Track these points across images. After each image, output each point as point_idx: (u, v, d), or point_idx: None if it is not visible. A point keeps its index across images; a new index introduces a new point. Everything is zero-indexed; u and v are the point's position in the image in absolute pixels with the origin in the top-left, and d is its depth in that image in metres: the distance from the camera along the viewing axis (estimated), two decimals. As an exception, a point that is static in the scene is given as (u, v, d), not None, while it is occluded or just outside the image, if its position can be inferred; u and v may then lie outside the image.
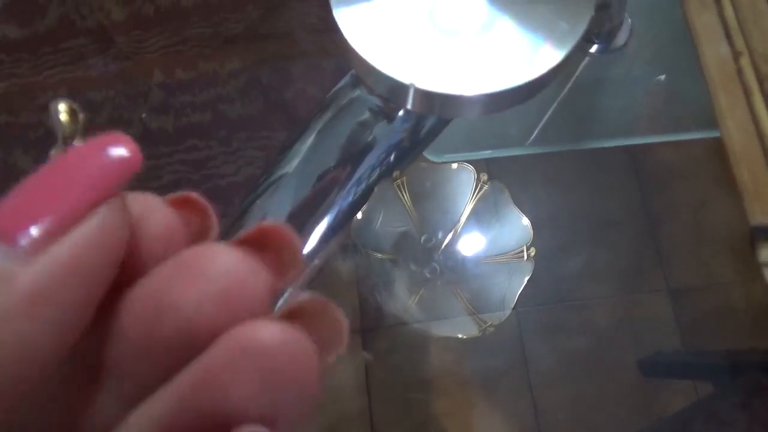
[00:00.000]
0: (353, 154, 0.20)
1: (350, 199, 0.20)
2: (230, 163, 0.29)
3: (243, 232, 0.10)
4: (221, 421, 0.09)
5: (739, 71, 0.20)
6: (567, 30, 0.18)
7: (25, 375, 0.08)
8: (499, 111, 0.18)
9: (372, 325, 0.36)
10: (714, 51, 0.20)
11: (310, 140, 0.20)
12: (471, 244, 0.30)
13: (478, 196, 0.30)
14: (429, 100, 0.17)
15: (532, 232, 0.30)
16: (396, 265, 0.31)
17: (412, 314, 0.30)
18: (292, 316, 0.10)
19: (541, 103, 0.24)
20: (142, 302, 0.09)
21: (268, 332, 0.09)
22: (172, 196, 0.11)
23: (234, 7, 0.28)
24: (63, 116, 0.11)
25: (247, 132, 0.30)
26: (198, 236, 0.11)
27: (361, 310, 0.32)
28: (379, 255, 0.31)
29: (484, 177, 0.31)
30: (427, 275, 0.31)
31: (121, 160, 0.09)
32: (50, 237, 0.08)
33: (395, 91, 0.18)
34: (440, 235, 0.31)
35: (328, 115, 0.20)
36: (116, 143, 0.09)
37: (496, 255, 0.29)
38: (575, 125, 0.24)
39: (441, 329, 0.30)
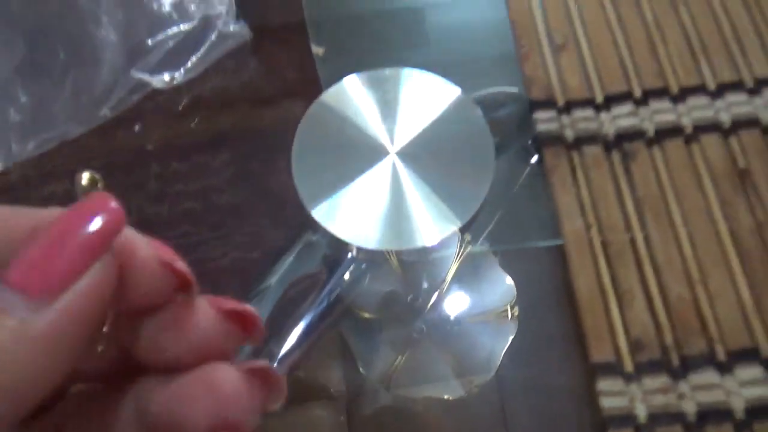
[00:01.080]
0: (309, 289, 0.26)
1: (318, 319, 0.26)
2: (219, 248, 0.31)
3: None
4: None
5: (590, 240, 0.23)
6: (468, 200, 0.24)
7: (34, 397, 0.11)
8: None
9: (357, 390, 0.36)
10: (571, 224, 0.24)
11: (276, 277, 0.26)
12: (456, 303, 0.31)
13: (462, 256, 0.32)
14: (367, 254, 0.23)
15: (515, 291, 0.31)
16: (382, 326, 0.32)
17: (398, 377, 0.31)
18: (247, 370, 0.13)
19: (490, 207, 0.27)
20: (163, 409, 0.12)
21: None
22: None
23: (225, 104, 0.32)
24: (85, 182, 0.13)
25: (235, 219, 0.32)
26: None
27: (345, 377, 0.33)
28: (366, 315, 0.32)
29: (468, 237, 0.33)
30: (414, 335, 0.32)
31: (106, 224, 0.11)
32: (57, 290, 0.11)
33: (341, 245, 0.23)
34: (426, 294, 0.33)
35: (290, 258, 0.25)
36: (100, 209, 0.11)
37: (481, 314, 0.31)
38: (517, 226, 0.27)
39: (427, 391, 0.31)
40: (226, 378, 0.12)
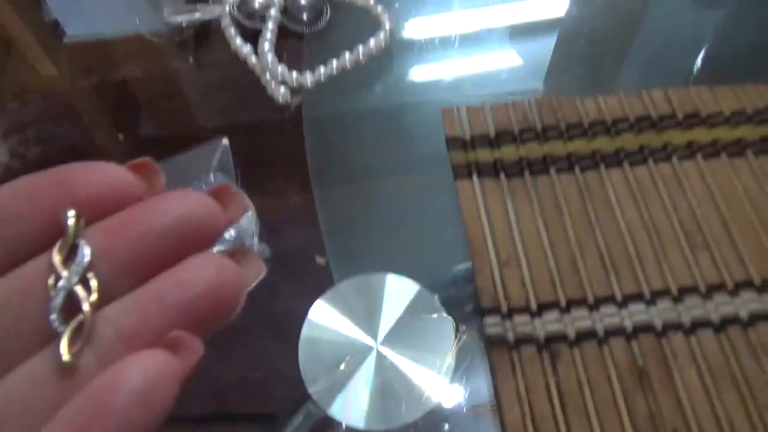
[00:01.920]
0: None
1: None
2: (224, 368, 0.38)
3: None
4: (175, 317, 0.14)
5: (525, 427, 0.31)
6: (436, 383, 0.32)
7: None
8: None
9: None
10: (510, 412, 0.32)
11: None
12: (433, 395, 0.34)
13: (457, 346, 0.36)
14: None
15: None
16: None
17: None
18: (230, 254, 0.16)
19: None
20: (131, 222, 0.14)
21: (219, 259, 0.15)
22: (131, 162, 0.16)
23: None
24: (71, 221, 0.14)
25: (240, 339, 0.37)
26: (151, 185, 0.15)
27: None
28: None
29: (463, 328, 0.36)
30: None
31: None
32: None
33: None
34: None
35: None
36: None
37: (476, 406, 0.34)
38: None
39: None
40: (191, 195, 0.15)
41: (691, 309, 0.36)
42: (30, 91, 0.49)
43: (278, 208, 0.42)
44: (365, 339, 0.36)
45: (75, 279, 0.14)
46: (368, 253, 0.40)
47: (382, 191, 0.43)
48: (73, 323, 0.13)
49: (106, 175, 0.15)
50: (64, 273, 0.13)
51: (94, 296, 0.14)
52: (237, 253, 0.16)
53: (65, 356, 0.13)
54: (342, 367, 0.34)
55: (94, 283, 0.14)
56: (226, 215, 0.16)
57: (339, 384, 0.34)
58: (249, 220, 0.37)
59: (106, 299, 0.14)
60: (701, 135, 0.43)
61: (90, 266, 0.14)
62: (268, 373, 0.36)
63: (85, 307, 0.13)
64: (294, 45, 0.49)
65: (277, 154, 0.45)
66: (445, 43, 0.50)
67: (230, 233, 0.37)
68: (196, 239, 0.15)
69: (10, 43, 0.53)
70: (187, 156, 0.41)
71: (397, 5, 0.53)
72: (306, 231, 0.41)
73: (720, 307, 0.36)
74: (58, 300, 0.13)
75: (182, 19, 0.50)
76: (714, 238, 0.38)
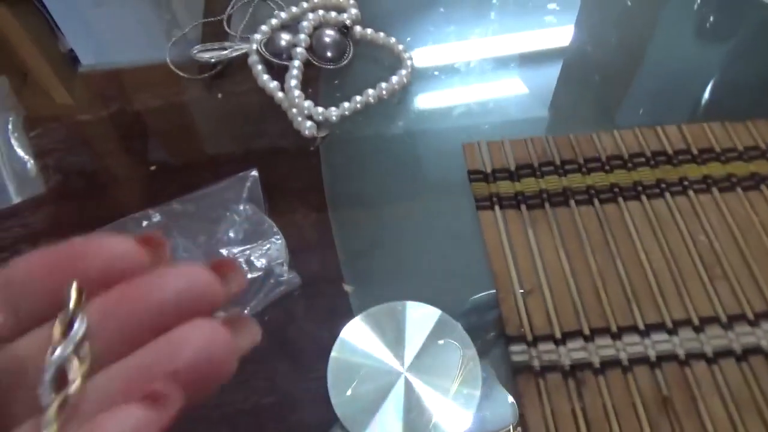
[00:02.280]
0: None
1: None
2: (239, 393, 0.38)
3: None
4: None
5: None
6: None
7: None
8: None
9: None
10: None
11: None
12: (458, 421, 0.34)
13: (463, 373, 0.36)
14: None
15: (517, 410, 0.34)
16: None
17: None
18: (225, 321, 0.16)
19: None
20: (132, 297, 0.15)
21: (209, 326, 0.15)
22: (140, 234, 0.16)
23: (276, 329, 0.41)
24: (72, 295, 0.15)
25: (255, 365, 0.37)
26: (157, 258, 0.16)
27: None
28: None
29: (470, 353, 0.36)
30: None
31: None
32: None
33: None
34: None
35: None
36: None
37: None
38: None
39: None
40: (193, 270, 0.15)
41: (713, 339, 0.36)
42: (45, 120, 0.50)
43: (302, 237, 0.43)
44: (394, 364, 0.36)
45: (68, 351, 0.14)
46: (385, 281, 0.41)
47: (399, 219, 0.44)
48: (60, 396, 0.14)
49: (114, 248, 0.16)
50: (60, 346, 0.14)
51: (84, 368, 0.14)
52: (233, 319, 0.17)
53: (48, 428, 0.14)
54: (371, 390, 0.35)
55: (86, 355, 0.14)
56: (225, 290, 0.16)
57: (368, 408, 0.35)
58: (278, 249, 0.38)
59: (98, 368, 0.15)
60: (716, 169, 0.44)
61: (84, 339, 0.14)
62: (281, 399, 0.36)
63: (73, 377, 0.14)
64: (318, 81, 0.51)
65: (301, 184, 0.46)
66: (464, 74, 0.52)
67: (261, 262, 0.38)
68: (193, 313, 0.15)
69: (27, 73, 0.55)
70: (219, 187, 0.42)
71: (408, 39, 0.55)
72: (326, 259, 0.42)
73: (741, 337, 0.36)
74: (50, 373, 0.14)
75: (211, 55, 0.52)
76: (733, 269, 0.39)
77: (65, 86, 0.55)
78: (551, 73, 0.53)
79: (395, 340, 0.37)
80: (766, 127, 0.46)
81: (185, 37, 0.55)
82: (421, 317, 0.38)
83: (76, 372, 0.14)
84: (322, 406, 0.35)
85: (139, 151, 0.49)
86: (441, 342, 0.37)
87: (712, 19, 0.58)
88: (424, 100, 0.51)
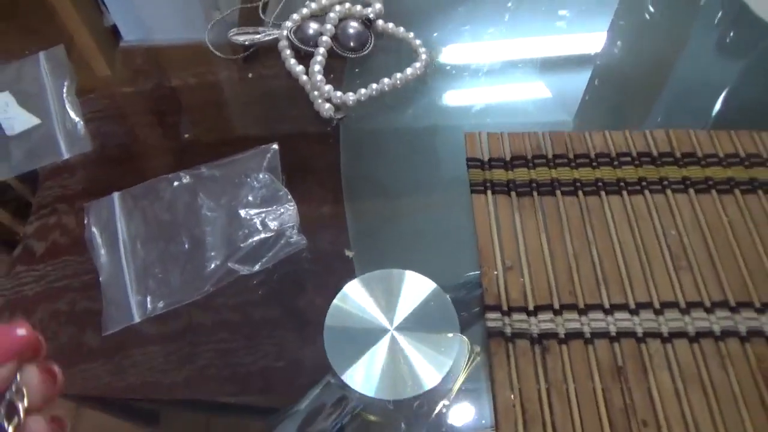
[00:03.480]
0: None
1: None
2: (250, 355, 0.42)
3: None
4: None
5: (513, 406, 0.37)
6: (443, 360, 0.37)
7: None
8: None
9: None
10: (502, 394, 0.37)
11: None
12: (463, 414, 0.37)
13: (470, 367, 0.39)
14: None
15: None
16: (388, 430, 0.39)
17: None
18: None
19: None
20: None
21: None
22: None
23: (282, 283, 0.46)
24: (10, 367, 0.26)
25: (266, 330, 0.41)
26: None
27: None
28: (372, 417, 0.39)
29: (477, 349, 0.40)
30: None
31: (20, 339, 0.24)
32: None
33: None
34: (432, 402, 0.39)
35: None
36: (18, 327, 0.24)
37: (488, 428, 0.37)
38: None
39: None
40: None
41: (670, 321, 0.40)
42: (86, 90, 0.56)
43: (314, 208, 0.48)
44: (383, 322, 0.41)
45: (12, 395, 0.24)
46: (389, 254, 0.46)
47: (406, 200, 0.48)
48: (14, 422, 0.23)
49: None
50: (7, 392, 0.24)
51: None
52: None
53: None
54: (360, 343, 0.40)
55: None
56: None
57: (356, 357, 0.40)
58: (290, 214, 0.44)
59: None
60: (695, 172, 0.48)
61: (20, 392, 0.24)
62: (289, 362, 0.41)
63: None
64: (341, 68, 0.56)
65: (317, 162, 0.51)
66: (475, 71, 0.57)
67: (274, 224, 0.43)
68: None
69: (71, 42, 0.60)
70: (243, 156, 0.47)
71: (435, 34, 0.59)
72: (335, 232, 0.47)
73: (696, 321, 0.40)
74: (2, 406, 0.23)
75: (246, 39, 0.57)
76: (697, 262, 0.43)
77: (106, 59, 0.60)
78: (562, 77, 0.57)
79: (388, 302, 0.42)
80: (748, 136, 0.50)
81: (224, 20, 0.61)
82: (415, 285, 0.43)
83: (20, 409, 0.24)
84: (323, 359, 0.40)
85: (173, 124, 0.55)
86: (429, 310, 0.42)
87: (732, 34, 0.61)
88: (436, 93, 0.55)
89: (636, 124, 0.52)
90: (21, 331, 0.24)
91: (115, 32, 0.61)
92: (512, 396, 0.37)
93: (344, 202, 0.48)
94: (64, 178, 0.49)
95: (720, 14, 0.63)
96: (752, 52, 0.60)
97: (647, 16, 0.63)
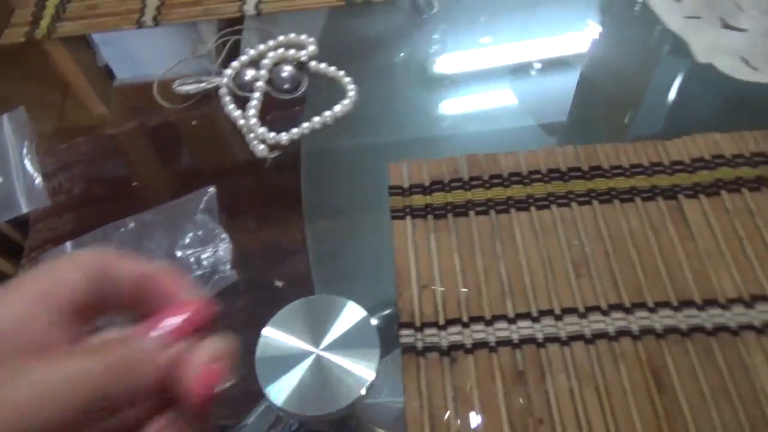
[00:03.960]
0: None
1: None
2: None
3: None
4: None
5: (422, 416, 0.40)
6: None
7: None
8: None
9: None
10: (412, 405, 0.41)
11: None
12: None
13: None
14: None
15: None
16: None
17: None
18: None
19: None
20: None
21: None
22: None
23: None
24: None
25: None
26: None
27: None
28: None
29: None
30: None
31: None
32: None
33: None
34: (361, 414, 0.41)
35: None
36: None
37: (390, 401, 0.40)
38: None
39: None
40: None
41: (569, 325, 0.44)
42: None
43: (247, 241, 0.53)
44: (310, 345, 0.45)
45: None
46: (319, 280, 0.50)
47: (334, 226, 0.53)
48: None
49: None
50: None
51: None
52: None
53: None
54: (288, 365, 0.44)
55: None
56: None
57: (285, 379, 0.44)
58: (225, 250, 0.48)
59: None
60: (600, 184, 0.51)
61: None
62: (229, 389, 0.45)
63: None
64: (275, 109, 0.61)
65: (251, 198, 0.56)
66: (403, 103, 0.61)
67: (209, 261, 0.48)
68: None
69: (68, 86, 0.66)
70: (183, 200, 0.52)
71: (367, 72, 0.64)
72: (269, 264, 0.51)
73: (593, 324, 0.44)
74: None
75: (190, 88, 0.62)
76: (597, 269, 0.47)
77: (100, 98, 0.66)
78: (474, 102, 0.62)
79: (316, 328, 0.46)
80: (652, 147, 0.54)
81: (171, 72, 0.66)
82: (339, 310, 0.47)
83: None
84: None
85: (127, 167, 0.60)
86: (354, 333, 0.46)
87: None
88: (362, 126, 0.60)
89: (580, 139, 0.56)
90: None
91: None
92: (420, 406, 0.41)
93: (275, 231, 0.52)
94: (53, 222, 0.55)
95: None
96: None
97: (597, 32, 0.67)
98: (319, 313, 0.47)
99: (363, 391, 0.43)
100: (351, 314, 0.47)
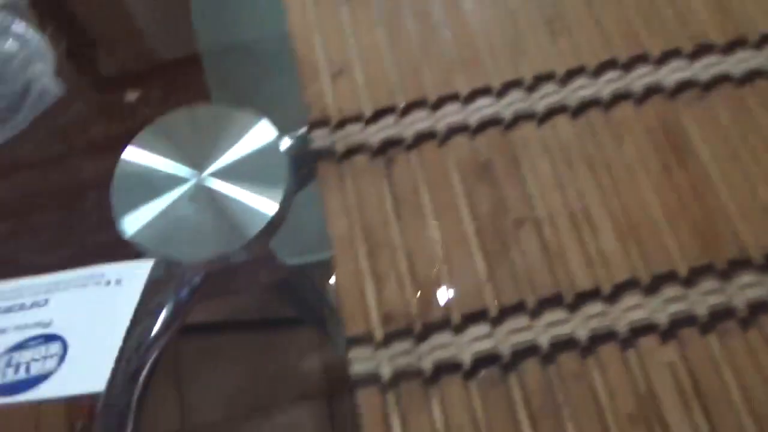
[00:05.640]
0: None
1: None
2: None
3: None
4: None
5: (352, 235, 0.28)
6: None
7: None
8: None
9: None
10: (338, 223, 0.29)
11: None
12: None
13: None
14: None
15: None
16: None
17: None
18: None
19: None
20: None
21: None
22: None
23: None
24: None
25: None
26: None
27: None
28: None
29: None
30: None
31: None
32: None
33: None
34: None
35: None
36: None
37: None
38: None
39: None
40: None
41: (546, 97, 0.31)
42: None
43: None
44: (188, 171, 0.31)
45: None
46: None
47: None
48: None
49: None
50: None
51: None
52: None
53: None
54: (155, 194, 0.30)
55: None
56: None
57: (149, 210, 0.30)
58: (40, 55, 0.33)
59: None
60: None
61: None
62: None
63: None
64: None
65: None
66: None
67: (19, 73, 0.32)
68: None
69: None
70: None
71: None
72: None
73: (579, 91, 0.31)
74: None
75: None
76: (577, 21, 0.33)
77: None
78: None
79: (198, 146, 0.32)
80: None
81: None
82: (236, 122, 0.33)
83: None
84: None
85: None
86: (254, 149, 0.32)
87: None
88: None
89: None
90: None
91: None
92: (350, 225, 0.29)
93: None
94: None
95: None
96: None
97: None
98: (209, 129, 0.33)
99: (256, 231, 0.30)
100: (251, 130, 0.33)
